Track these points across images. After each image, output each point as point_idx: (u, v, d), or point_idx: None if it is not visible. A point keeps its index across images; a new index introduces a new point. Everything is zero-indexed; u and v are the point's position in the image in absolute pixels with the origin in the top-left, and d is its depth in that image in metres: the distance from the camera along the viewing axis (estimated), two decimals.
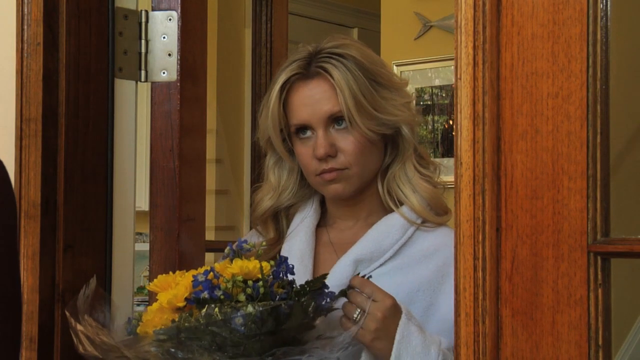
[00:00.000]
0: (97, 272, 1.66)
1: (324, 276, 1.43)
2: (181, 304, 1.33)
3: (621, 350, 3.76)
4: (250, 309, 1.28)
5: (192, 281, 1.33)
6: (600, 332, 1.11)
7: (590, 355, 1.10)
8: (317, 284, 1.40)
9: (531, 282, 1.14)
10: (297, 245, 1.65)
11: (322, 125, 1.60)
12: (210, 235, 2.64)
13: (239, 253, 1.39)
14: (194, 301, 1.32)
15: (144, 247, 1.85)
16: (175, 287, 1.35)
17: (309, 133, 1.62)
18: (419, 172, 1.65)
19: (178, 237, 1.67)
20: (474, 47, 1.17)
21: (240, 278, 1.33)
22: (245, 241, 1.42)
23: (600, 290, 1.11)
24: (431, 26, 4.51)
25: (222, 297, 1.31)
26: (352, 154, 1.59)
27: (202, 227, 1.76)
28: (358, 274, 1.53)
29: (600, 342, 1.11)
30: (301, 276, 1.57)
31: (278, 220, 1.72)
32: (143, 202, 1.88)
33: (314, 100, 1.61)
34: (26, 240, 1.57)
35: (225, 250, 1.41)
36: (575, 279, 1.11)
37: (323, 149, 1.58)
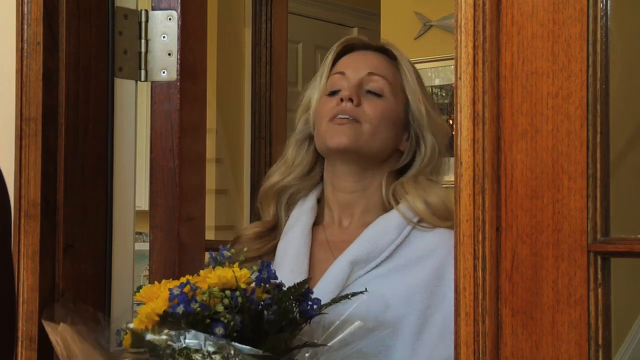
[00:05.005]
0: (97, 272, 1.67)
1: (307, 280, 1.42)
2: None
3: (621, 350, 3.76)
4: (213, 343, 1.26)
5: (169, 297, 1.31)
6: (600, 332, 1.11)
7: (590, 355, 1.10)
8: (300, 289, 1.39)
9: (531, 282, 1.14)
10: (293, 244, 1.65)
11: (358, 79, 1.64)
12: (210, 235, 2.64)
13: (220, 261, 1.38)
14: (162, 318, 1.29)
15: (144, 246, 1.85)
16: (154, 300, 1.34)
17: (339, 93, 1.65)
18: (429, 180, 1.66)
19: (178, 237, 1.67)
20: (474, 47, 1.17)
21: (216, 289, 1.30)
22: (227, 248, 1.40)
23: (600, 290, 1.11)
24: (431, 26, 4.51)
25: (198, 309, 1.28)
26: (372, 114, 1.62)
27: (202, 227, 1.76)
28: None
29: (600, 342, 1.11)
30: (296, 275, 1.56)
31: (280, 205, 1.72)
32: (143, 202, 1.88)
33: (361, 60, 1.67)
34: (26, 240, 1.57)
35: (206, 259, 1.39)
36: (575, 278, 1.11)
37: (348, 91, 1.62)
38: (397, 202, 1.64)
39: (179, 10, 1.71)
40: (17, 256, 1.57)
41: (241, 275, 1.32)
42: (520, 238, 1.15)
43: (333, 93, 1.66)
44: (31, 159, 1.58)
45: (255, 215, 1.85)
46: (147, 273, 1.87)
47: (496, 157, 1.17)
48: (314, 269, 1.62)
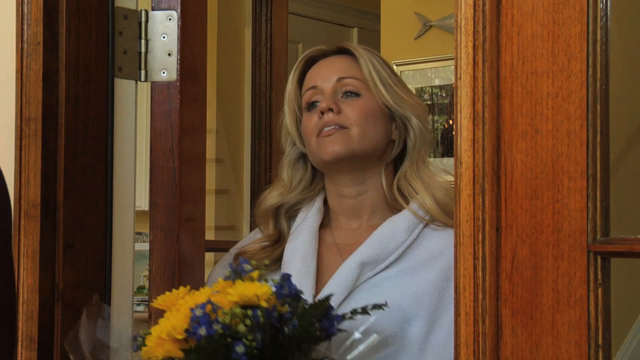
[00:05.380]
0: (97, 272, 1.66)
1: (329, 297, 1.41)
2: (180, 336, 1.30)
3: (621, 350, 3.76)
4: None
5: (190, 316, 1.30)
6: (600, 332, 1.11)
7: (590, 355, 1.10)
8: (321, 309, 1.38)
9: (531, 282, 1.14)
10: (300, 246, 1.64)
11: (331, 87, 1.65)
12: (210, 235, 2.63)
13: (240, 274, 1.37)
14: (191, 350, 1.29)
15: (144, 246, 1.85)
16: (174, 314, 1.32)
17: (317, 104, 1.66)
18: (431, 169, 1.67)
19: (178, 237, 1.67)
20: (474, 47, 1.17)
21: (238, 310, 1.29)
22: (247, 261, 1.38)
23: (600, 290, 1.11)
24: (431, 26, 4.51)
25: (220, 331, 1.27)
26: (356, 116, 1.62)
27: (202, 227, 1.76)
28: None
29: (600, 342, 1.11)
30: (304, 278, 1.56)
31: (279, 219, 1.73)
32: (143, 202, 1.88)
33: (328, 68, 1.68)
34: (26, 240, 1.57)
35: (227, 272, 1.38)
36: (575, 278, 1.11)
37: (326, 102, 1.62)
38: (405, 198, 1.64)
39: (179, 11, 1.70)
40: (17, 256, 1.57)
41: (263, 292, 1.31)
42: (520, 238, 1.15)
43: (310, 107, 1.67)
44: (31, 159, 1.58)
45: (254, 220, 1.84)
46: (147, 273, 1.86)
47: (496, 157, 1.17)
48: (323, 271, 1.62)
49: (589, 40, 1.13)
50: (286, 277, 1.35)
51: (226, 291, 1.32)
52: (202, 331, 1.27)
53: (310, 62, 1.72)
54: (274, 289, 1.33)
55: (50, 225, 1.59)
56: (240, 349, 1.26)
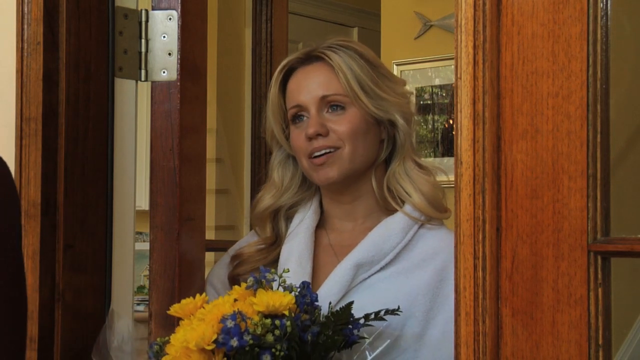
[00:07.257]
0: (97, 272, 1.67)
1: (350, 305, 1.42)
2: (209, 347, 1.30)
3: (621, 350, 3.76)
4: None
5: (221, 327, 1.30)
6: (601, 332, 1.11)
7: (591, 355, 1.10)
8: (344, 317, 1.39)
9: (531, 282, 1.14)
10: (296, 248, 1.65)
11: (315, 106, 1.62)
12: (210, 235, 2.63)
13: (262, 283, 1.37)
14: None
15: (144, 246, 1.85)
16: (199, 324, 1.31)
17: (304, 118, 1.64)
18: (418, 165, 1.66)
19: (178, 237, 1.67)
20: (474, 47, 1.17)
21: (268, 321, 1.30)
22: (268, 270, 1.39)
23: (600, 290, 1.11)
24: (431, 25, 4.51)
25: (251, 342, 1.28)
26: (344, 134, 1.61)
27: (202, 227, 1.76)
28: None
29: (600, 342, 1.11)
30: (299, 279, 1.56)
31: (276, 221, 1.73)
32: (143, 202, 1.88)
33: (310, 82, 1.65)
34: (26, 239, 1.57)
35: (248, 281, 1.38)
36: (576, 278, 1.11)
37: (313, 128, 1.61)
38: (395, 199, 1.64)
39: (179, 10, 1.70)
40: None
41: (287, 301, 1.32)
42: (521, 238, 1.15)
43: (296, 119, 1.66)
44: (31, 159, 1.58)
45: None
46: (147, 273, 1.86)
47: (496, 157, 1.17)
48: (318, 272, 1.63)
49: (589, 40, 1.13)
50: (306, 285, 1.36)
51: (250, 301, 1.33)
52: (234, 342, 1.28)
53: (289, 70, 1.70)
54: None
55: (51, 225, 1.59)
56: (267, 358, 1.27)
